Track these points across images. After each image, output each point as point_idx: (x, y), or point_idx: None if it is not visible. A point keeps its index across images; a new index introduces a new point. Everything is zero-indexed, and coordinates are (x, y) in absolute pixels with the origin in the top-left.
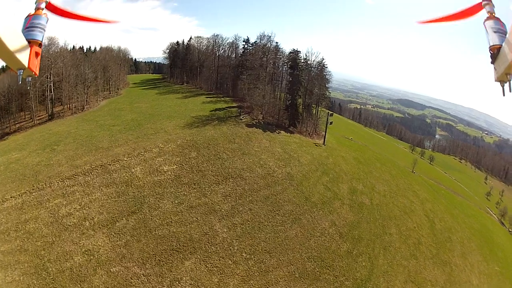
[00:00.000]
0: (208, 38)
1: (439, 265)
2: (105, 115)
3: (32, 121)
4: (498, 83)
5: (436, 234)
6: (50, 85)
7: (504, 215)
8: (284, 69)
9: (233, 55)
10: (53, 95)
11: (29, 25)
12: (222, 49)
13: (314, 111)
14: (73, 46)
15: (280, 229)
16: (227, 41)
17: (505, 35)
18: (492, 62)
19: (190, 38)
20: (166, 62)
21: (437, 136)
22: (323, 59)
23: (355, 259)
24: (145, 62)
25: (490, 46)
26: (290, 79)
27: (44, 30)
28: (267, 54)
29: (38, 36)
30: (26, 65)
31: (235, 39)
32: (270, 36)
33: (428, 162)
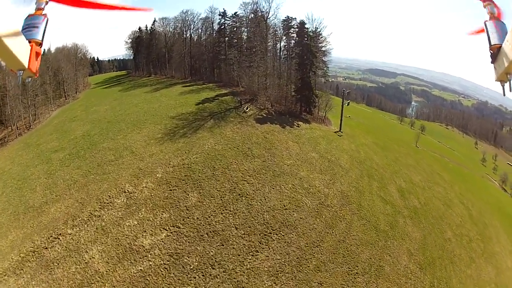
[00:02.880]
0: (175, 17)
1: (489, 259)
2: (51, 133)
3: None
4: (498, 82)
5: (476, 223)
6: None
7: (505, 181)
8: (280, 42)
9: (209, 33)
10: None
11: (29, 25)
12: (194, 27)
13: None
14: None
15: None
16: (199, 17)
17: (505, 35)
18: (492, 62)
19: (154, 21)
20: (130, 55)
21: (413, 103)
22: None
23: None
24: (109, 60)
25: (490, 46)
26: (299, 50)
27: (45, 31)
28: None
29: (39, 36)
30: (26, 66)
31: (211, 12)
32: (257, 2)
33: (420, 132)
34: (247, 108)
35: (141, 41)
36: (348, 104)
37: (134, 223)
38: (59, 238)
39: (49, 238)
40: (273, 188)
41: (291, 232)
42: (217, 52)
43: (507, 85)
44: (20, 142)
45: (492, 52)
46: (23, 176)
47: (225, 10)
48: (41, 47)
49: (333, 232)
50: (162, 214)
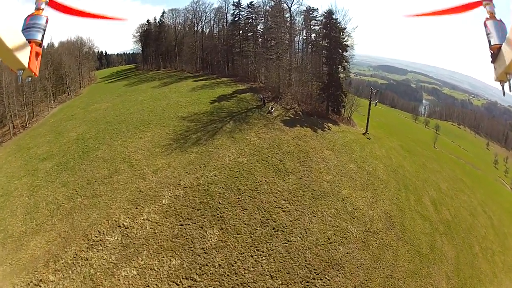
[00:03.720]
0: (186, 8)
1: (508, 273)
2: (45, 134)
3: None
4: (498, 82)
5: (498, 233)
6: None
7: None
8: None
9: (222, 25)
10: None
11: (29, 25)
12: (206, 18)
13: None
14: None
15: None
16: (212, 7)
17: (505, 35)
18: (492, 62)
19: (163, 12)
20: (138, 49)
21: (424, 101)
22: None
23: None
24: (117, 54)
25: (490, 46)
26: (326, 43)
27: (44, 31)
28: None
29: (38, 36)
30: (26, 66)
31: (224, 1)
32: None
33: (434, 131)
34: (272, 108)
35: (150, 34)
36: (376, 105)
37: (133, 273)
38: (40, 286)
39: (29, 284)
40: (314, 216)
41: (337, 273)
42: (231, 44)
43: (506, 85)
44: (13, 144)
45: (492, 52)
46: (7, 191)
47: (239, 0)
48: (41, 47)
49: (380, 266)
50: (170, 260)
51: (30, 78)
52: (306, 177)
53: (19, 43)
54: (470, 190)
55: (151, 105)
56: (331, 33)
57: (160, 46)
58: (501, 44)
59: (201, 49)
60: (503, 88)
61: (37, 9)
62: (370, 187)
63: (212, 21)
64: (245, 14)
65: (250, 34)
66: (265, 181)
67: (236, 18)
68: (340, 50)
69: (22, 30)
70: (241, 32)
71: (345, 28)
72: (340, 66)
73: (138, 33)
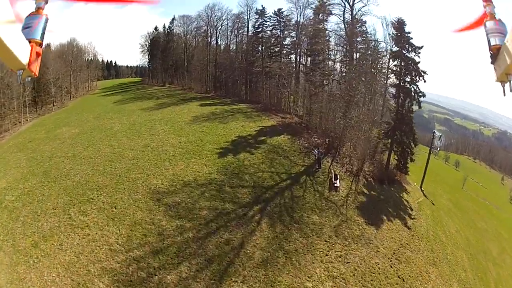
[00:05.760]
0: (199, 15)
1: None
2: None
3: None
4: (499, 83)
5: None
6: None
7: None
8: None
9: (241, 36)
10: None
11: (29, 24)
12: (221, 27)
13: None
14: None
15: None
16: (230, 14)
17: (505, 35)
18: (492, 63)
19: (173, 19)
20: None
21: (437, 132)
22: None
23: None
24: (127, 66)
25: (490, 47)
26: (395, 65)
27: (45, 30)
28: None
29: (39, 36)
30: (26, 66)
31: (246, 6)
32: None
33: (454, 168)
34: (336, 179)
35: (157, 44)
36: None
37: None
38: None
39: None
40: None
41: None
42: (251, 61)
43: (507, 85)
44: None
45: (492, 53)
46: None
47: (263, 7)
48: (41, 46)
49: None
50: None
51: (29, 78)
52: None
53: (19, 43)
54: (508, 245)
55: (120, 147)
56: (403, 51)
57: (167, 58)
58: (501, 45)
59: (214, 64)
60: (503, 89)
61: (38, 8)
62: None
63: (229, 31)
64: (271, 24)
65: (276, 48)
66: None
67: (259, 29)
68: (415, 77)
69: (22, 30)
70: (263, 47)
71: (422, 47)
72: (414, 101)
73: (147, 43)
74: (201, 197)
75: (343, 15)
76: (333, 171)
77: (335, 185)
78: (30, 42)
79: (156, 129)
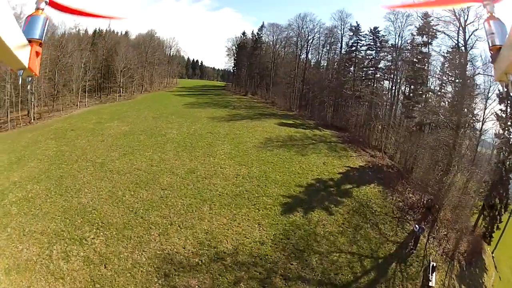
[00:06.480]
0: (289, 24)
1: None
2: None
3: None
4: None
5: None
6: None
7: None
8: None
9: (333, 53)
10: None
11: (29, 24)
12: (313, 40)
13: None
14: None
15: None
16: (322, 26)
17: (506, 35)
18: (492, 62)
19: (262, 25)
20: (230, 64)
21: None
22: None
23: None
24: (213, 68)
25: (490, 47)
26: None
27: (45, 30)
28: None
29: (39, 35)
30: (27, 66)
31: (340, 19)
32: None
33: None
34: (431, 277)
35: (244, 49)
36: None
37: None
38: None
39: None
40: None
41: None
42: (341, 82)
43: (507, 85)
44: None
45: (492, 52)
46: None
47: (358, 24)
48: (41, 46)
49: None
50: None
51: (30, 78)
52: None
53: (19, 43)
54: None
55: (159, 165)
56: None
57: (252, 65)
58: (501, 45)
59: (301, 80)
60: (503, 88)
61: (37, 9)
62: None
63: (321, 45)
64: (365, 44)
65: (369, 71)
66: None
67: (353, 48)
68: None
69: (22, 30)
70: (356, 68)
71: None
72: None
73: (234, 47)
74: None
75: (457, 37)
76: (430, 260)
77: (430, 284)
78: (30, 41)
79: (215, 147)
